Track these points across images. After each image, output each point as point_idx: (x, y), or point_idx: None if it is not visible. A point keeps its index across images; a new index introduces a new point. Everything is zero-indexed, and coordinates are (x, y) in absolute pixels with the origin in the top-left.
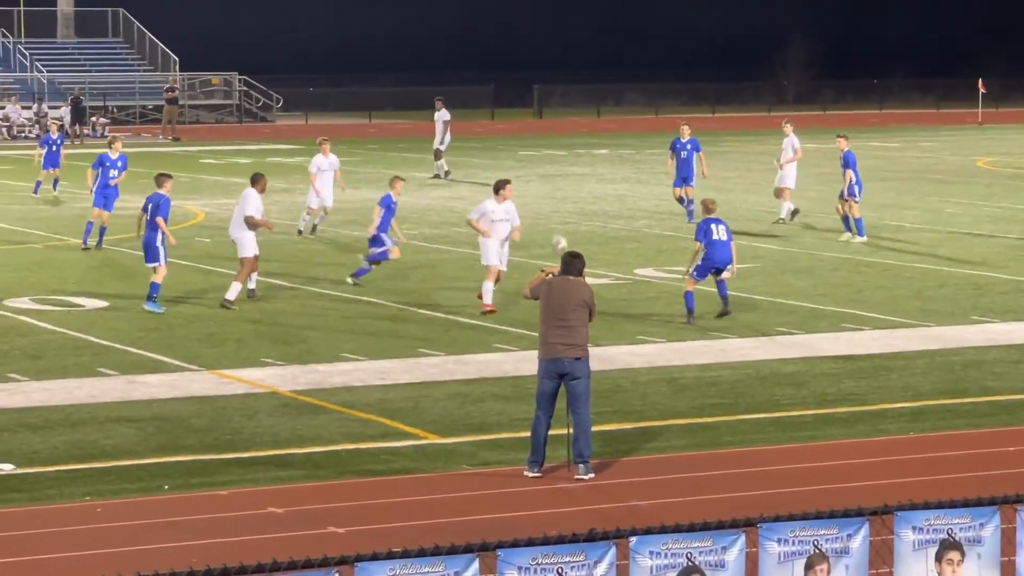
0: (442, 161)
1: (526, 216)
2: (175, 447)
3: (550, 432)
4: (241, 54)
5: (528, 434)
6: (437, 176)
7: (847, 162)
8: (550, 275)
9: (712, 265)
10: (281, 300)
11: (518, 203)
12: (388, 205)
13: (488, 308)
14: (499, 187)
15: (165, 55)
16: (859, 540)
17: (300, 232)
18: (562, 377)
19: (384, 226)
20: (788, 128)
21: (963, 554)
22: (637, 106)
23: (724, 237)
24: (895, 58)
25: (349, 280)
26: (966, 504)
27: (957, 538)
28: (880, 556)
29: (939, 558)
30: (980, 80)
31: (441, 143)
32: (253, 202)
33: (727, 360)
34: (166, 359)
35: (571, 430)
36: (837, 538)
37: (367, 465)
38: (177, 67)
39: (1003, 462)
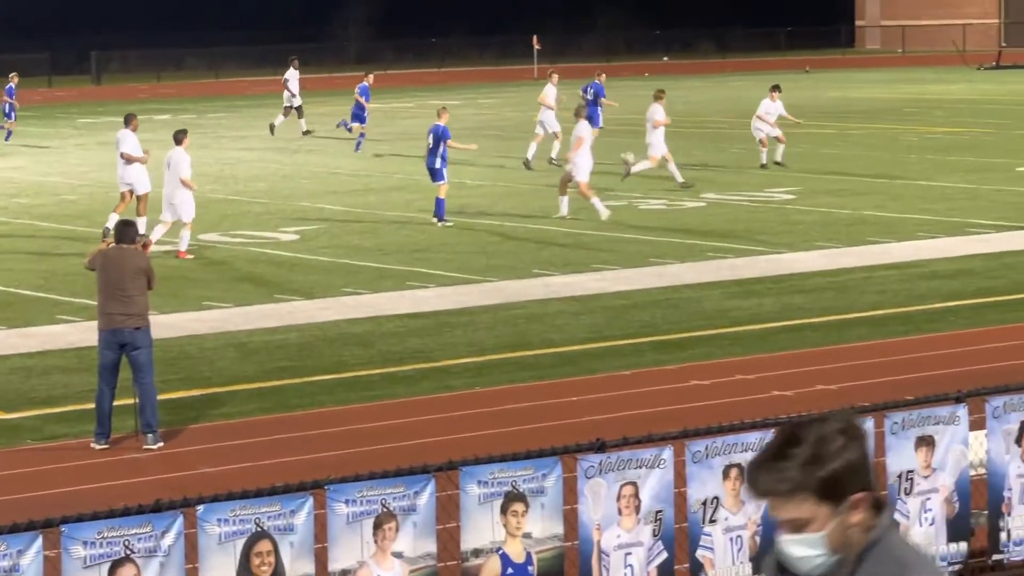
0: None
1: (86, 185)
2: None
3: (117, 403)
4: None
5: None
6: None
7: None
8: (109, 245)
9: None
10: None
11: (77, 171)
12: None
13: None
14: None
15: None
16: (426, 496)
17: None
18: (123, 347)
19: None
20: (555, 78)
21: (527, 505)
22: (198, 70)
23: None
24: (453, 16)
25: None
26: (528, 456)
27: (521, 490)
28: (447, 511)
29: (504, 510)
30: (535, 37)
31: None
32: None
33: (295, 322)
34: None
35: (137, 400)
36: (404, 496)
37: None
38: None
39: (565, 413)
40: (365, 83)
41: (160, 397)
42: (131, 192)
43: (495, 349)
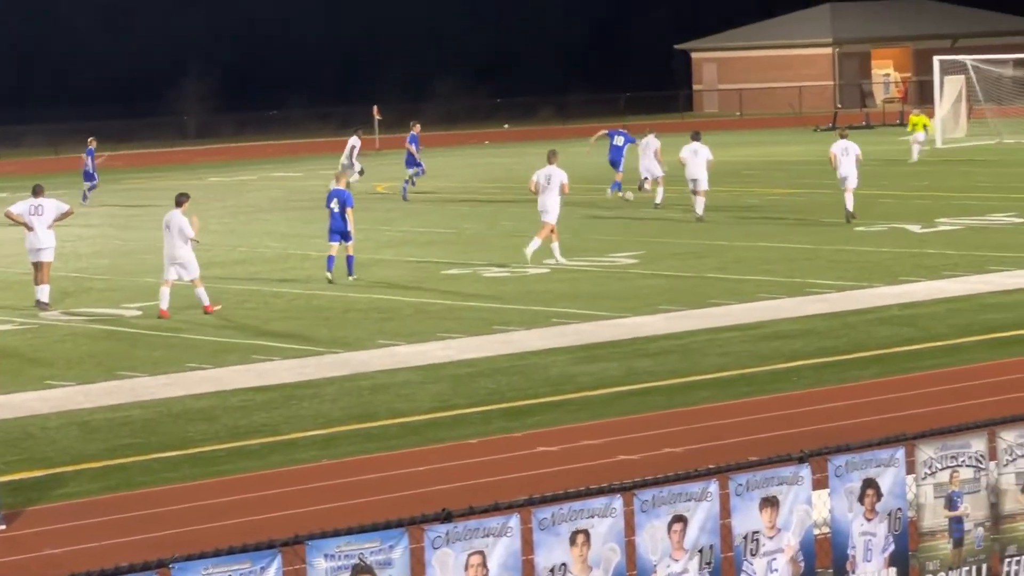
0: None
1: None
2: None
3: None
4: None
5: None
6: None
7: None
8: None
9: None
10: None
11: None
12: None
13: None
14: None
15: None
16: (272, 572)
17: None
18: None
19: None
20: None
21: None
22: (37, 147)
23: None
24: (293, 88)
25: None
26: (375, 528)
27: (368, 562)
28: None
29: None
30: (376, 107)
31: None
32: None
33: (138, 399)
34: None
35: None
36: (251, 572)
37: None
38: None
39: (413, 483)
40: (414, 132)
41: (1, 479)
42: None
43: (342, 420)
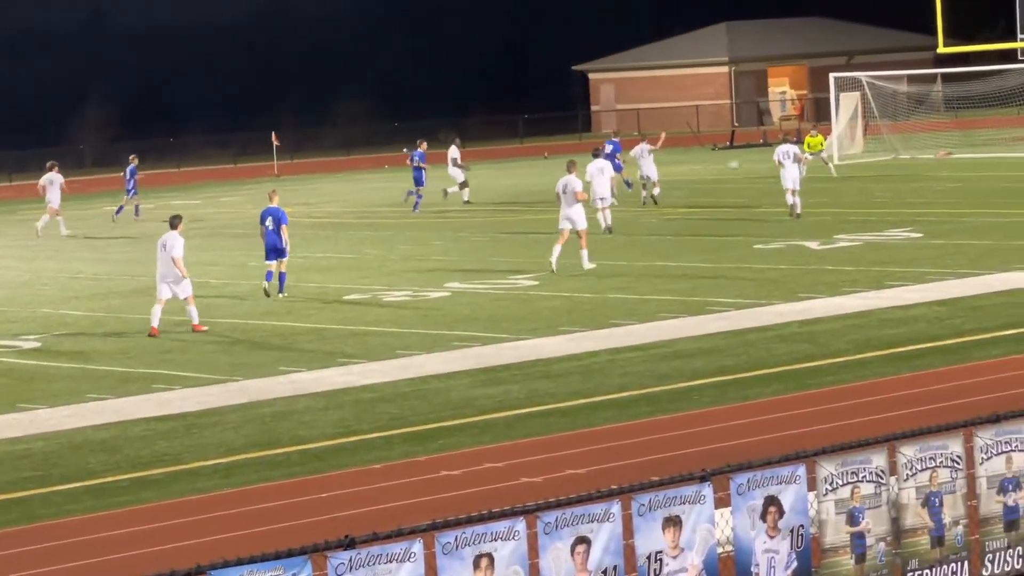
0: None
1: None
2: None
3: None
4: None
5: None
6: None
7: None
8: None
9: None
10: None
11: None
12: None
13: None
14: None
15: None
16: None
17: None
18: None
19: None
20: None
21: None
22: None
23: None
24: (191, 116)
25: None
26: (277, 556)
27: None
28: None
29: None
30: (274, 133)
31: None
32: None
33: (38, 431)
34: None
35: None
36: None
37: None
38: None
39: (316, 510)
40: (420, 150)
41: None
42: None
43: (244, 448)
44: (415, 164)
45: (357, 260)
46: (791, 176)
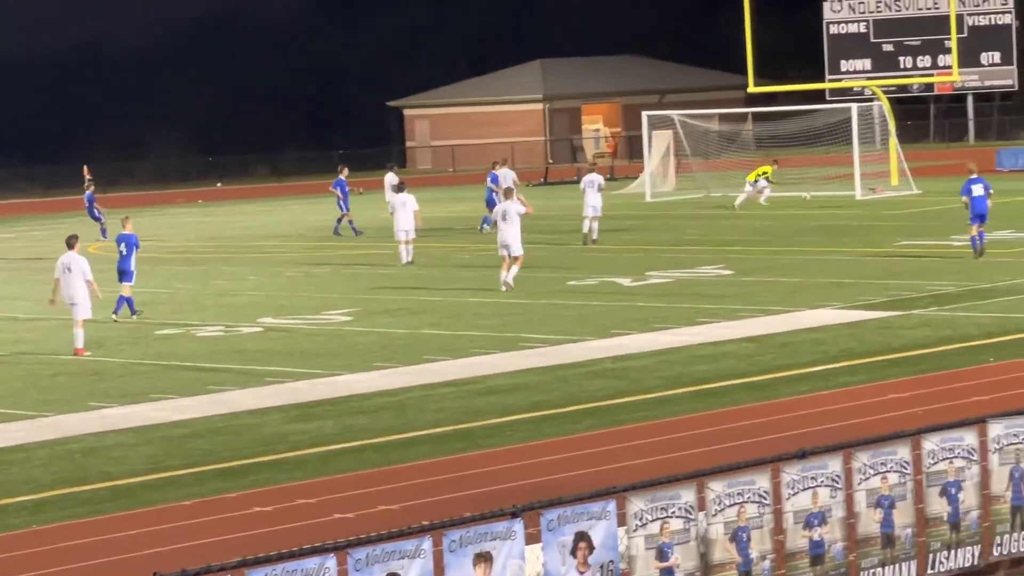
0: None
1: None
2: None
3: None
4: None
5: None
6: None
7: None
8: None
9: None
10: None
11: None
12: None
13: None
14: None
15: None
16: None
17: None
18: None
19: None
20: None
21: None
22: None
23: (982, 193)
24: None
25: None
26: None
27: None
28: None
29: None
30: (85, 167)
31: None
32: None
33: None
34: None
35: None
36: None
37: None
38: None
39: (124, 547)
40: (342, 177)
41: None
42: None
43: (52, 485)
44: (338, 191)
45: (171, 295)
46: (591, 203)
